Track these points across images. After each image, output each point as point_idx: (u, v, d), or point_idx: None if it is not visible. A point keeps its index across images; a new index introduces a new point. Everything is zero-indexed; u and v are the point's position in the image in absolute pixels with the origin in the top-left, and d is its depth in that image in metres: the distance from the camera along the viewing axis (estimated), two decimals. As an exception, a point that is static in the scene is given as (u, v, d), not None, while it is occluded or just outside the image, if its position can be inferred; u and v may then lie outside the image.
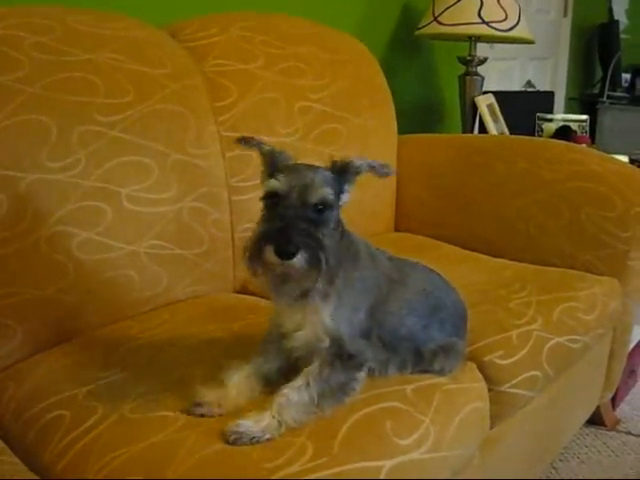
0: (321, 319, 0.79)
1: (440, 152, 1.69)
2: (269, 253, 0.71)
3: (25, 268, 0.98)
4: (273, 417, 0.74)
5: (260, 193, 0.78)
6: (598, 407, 1.55)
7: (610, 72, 3.36)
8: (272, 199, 0.75)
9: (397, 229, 1.72)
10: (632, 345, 1.63)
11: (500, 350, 1.03)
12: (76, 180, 1.03)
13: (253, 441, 0.73)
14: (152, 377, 0.88)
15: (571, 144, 1.67)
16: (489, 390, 0.99)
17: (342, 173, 0.79)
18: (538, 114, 2.52)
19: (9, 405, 0.88)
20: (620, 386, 1.60)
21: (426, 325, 0.89)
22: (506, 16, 2.00)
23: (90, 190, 1.05)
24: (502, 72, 2.90)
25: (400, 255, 0.95)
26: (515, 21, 2.02)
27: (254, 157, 1.30)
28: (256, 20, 1.47)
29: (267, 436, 0.73)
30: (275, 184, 0.75)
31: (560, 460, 1.50)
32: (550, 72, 3.38)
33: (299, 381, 0.78)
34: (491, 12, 1.99)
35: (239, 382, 0.81)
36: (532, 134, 2.49)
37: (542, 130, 2.51)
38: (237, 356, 0.86)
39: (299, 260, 0.71)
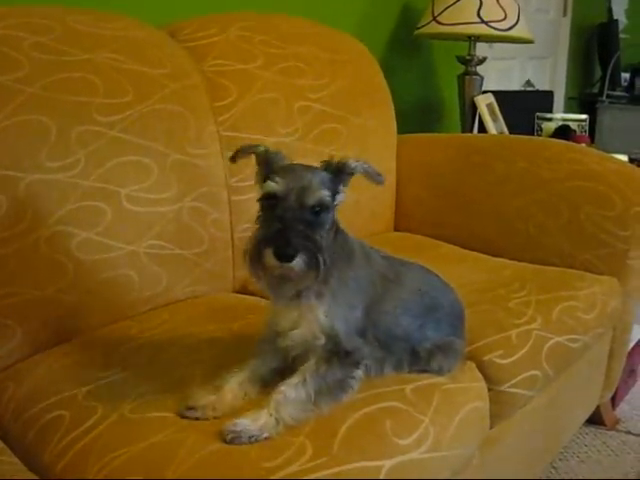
0: (316, 317, 0.79)
1: (439, 152, 1.69)
2: (268, 256, 0.71)
3: (25, 268, 0.98)
4: (270, 415, 0.74)
5: (257, 195, 0.78)
6: (598, 406, 1.55)
7: (609, 71, 3.36)
8: (270, 201, 0.76)
9: (396, 229, 1.72)
10: (632, 344, 1.63)
11: (500, 350, 1.03)
12: (76, 180, 1.03)
13: (251, 440, 0.73)
14: (152, 377, 0.88)
15: (570, 143, 1.67)
16: (489, 390, 0.99)
17: (337, 173, 0.80)
18: (537, 113, 2.52)
19: (9, 405, 0.88)
20: (620, 385, 1.60)
21: (421, 325, 0.90)
22: (505, 16, 2.00)
23: (90, 190, 1.05)
24: (501, 72, 2.90)
25: (400, 255, 0.95)
26: (514, 21, 2.02)
27: (253, 157, 1.30)
28: (255, 20, 1.47)
29: (265, 434, 0.73)
30: (273, 186, 0.75)
31: (560, 459, 1.50)
32: (549, 71, 3.38)
33: (296, 378, 0.78)
34: (490, 12, 1.99)
35: (234, 386, 0.80)
36: (531, 133, 2.49)
37: (541, 129, 2.51)
38: (237, 356, 0.86)
39: (298, 263, 0.71)
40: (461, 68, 2.22)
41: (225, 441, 0.73)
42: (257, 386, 0.82)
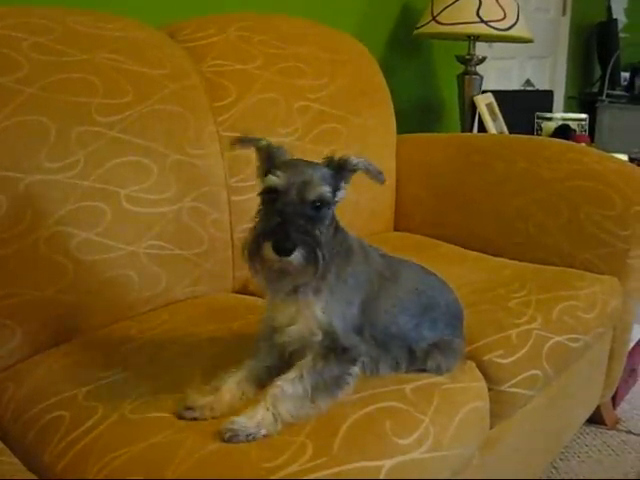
0: (313, 313, 0.79)
1: (439, 151, 1.69)
2: (267, 249, 0.71)
3: (25, 269, 0.98)
4: (267, 409, 0.74)
5: (258, 189, 0.78)
6: (598, 406, 1.55)
7: (609, 71, 3.36)
8: (271, 195, 0.76)
9: (396, 228, 1.71)
10: (632, 344, 1.63)
11: (500, 349, 1.03)
12: (75, 181, 1.03)
13: (249, 438, 0.73)
14: (152, 377, 0.88)
15: (570, 143, 1.67)
16: (489, 389, 0.99)
17: (339, 170, 0.80)
18: (537, 113, 2.52)
19: (9, 406, 0.88)
20: (620, 385, 1.60)
21: (418, 324, 0.89)
22: (505, 15, 2.00)
23: (89, 190, 1.05)
24: (501, 71, 2.90)
25: (399, 255, 0.95)
26: (514, 20, 2.02)
27: (253, 157, 1.30)
28: (254, 20, 1.47)
29: (263, 431, 0.73)
30: (274, 180, 0.75)
31: (560, 459, 1.50)
32: (549, 71, 3.38)
33: (292, 373, 0.77)
34: (490, 11, 1.99)
35: (232, 386, 0.80)
36: (531, 133, 2.49)
37: (541, 129, 2.51)
38: (237, 356, 0.86)
39: (296, 257, 0.71)
40: (461, 68, 2.22)
41: (223, 440, 0.73)
42: (255, 385, 0.82)
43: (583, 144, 2.16)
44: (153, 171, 1.14)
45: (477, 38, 2.15)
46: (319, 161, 0.81)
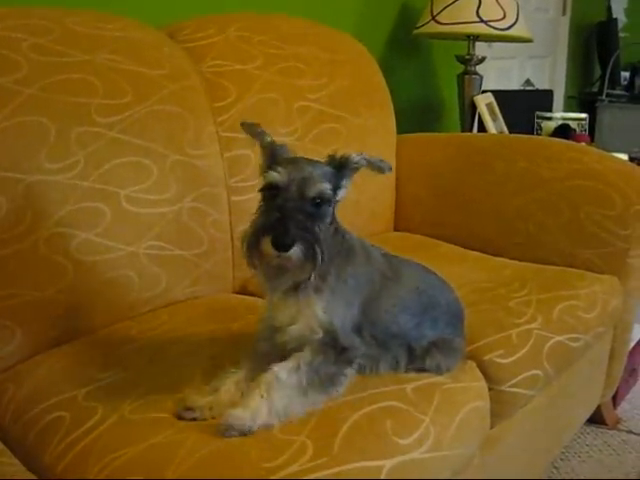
0: (314, 312, 0.79)
1: (439, 151, 1.69)
2: (266, 244, 0.71)
3: (24, 269, 0.98)
4: (262, 397, 0.74)
5: (259, 185, 0.78)
6: (599, 406, 1.55)
7: (609, 70, 3.36)
8: (271, 191, 0.76)
9: (396, 229, 1.71)
10: (633, 344, 1.63)
11: (500, 349, 1.03)
12: (75, 181, 1.03)
13: (245, 429, 0.73)
14: (152, 378, 0.88)
15: (570, 142, 1.67)
16: (489, 389, 0.99)
17: (340, 168, 0.80)
18: (537, 113, 2.52)
19: (9, 407, 0.88)
20: (621, 385, 1.60)
21: (418, 323, 0.89)
22: (504, 15, 2.00)
23: (89, 191, 1.05)
24: (501, 71, 2.90)
25: (399, 255, 0.95)
26: (513, 20, 2.02)
27: (253, 157, 1.30)
28: (254, 20, 1.47)
29: (259, 423, 0.73)
30: (275, 176, 0.75)
31: (561, 459, 1.50)
32: (549, 70, 3.38)
33: (290, 363, 0.78)
34: (489, 11, 1.99)
35: (231, 386, 0.80)
36: (531, 133, 2.49)
37: (541, 129, 2.51)
38: (237, 356, 0.86)
39: (295, 252, 0.71)
40: (460, 67, 2.22)
41: (221, 435, 0.73)
42: None
43: (583, 144, 2.16)
44: (153, 171, 1.14)
45: (477, 38, 2.15)
46: (321, 159, 0.81)
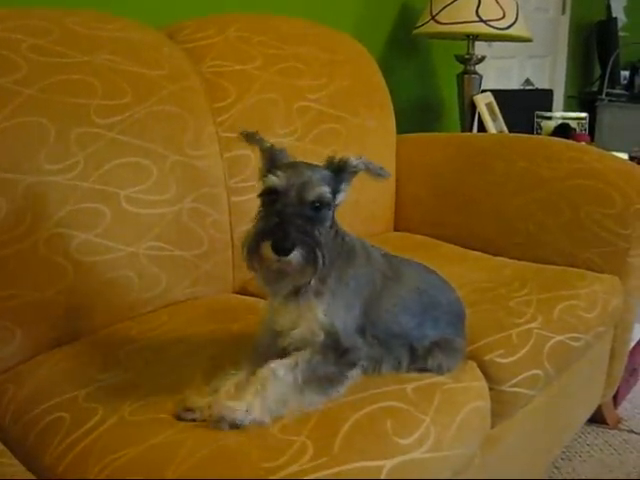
0: (315, 316, 0.80)
1: (439, 151, 1.69)
2: (266, 249, 0.72)
3: (24, 270, 0.98)
4: (257, 391, 0.74)
5: (258, 190, 0.78)
6: (600, 405, 1.55)
7: (609, 70, 3.36)
8: (270, 195, 0.76)
9: (396, 229, 1.71)
10: (633, 343, 1.63)
11: (501, 349, 1.03)
12: (75, 182, 1.03)
13: (236, 422, 0.73)
14: (152, 379, 0.88)
15: (570, 142, 1.67)
16: (490, 389, 0.99)
17: (339, 172, 0.80)
18: (537, 112, 2.52)
19: (9, 407, 0.88)
20: (621, 384, 1.60)
21: (420, 323, 0.89)
22: (504, 14, 2.00)
23: (89, 192, 1.05)
24: (500, 70, 2.90)
25: (400, 255, 0.95)
26: (513, 19, 2.02)
27: (253, 158, 1.30)
28: (254, 21, 1.47)
29: (250, 417, 0.73)
30: (274, 180, 0.75)
31: (562, 459, 1.50)
32: (549, 70, 3.38)
33: (287, 360, 0.78)
34: (489, 10, 1.99)
35: (231, 387, 0.80)
36: (531, 132, 2.49)
37: (541, 128, 2.51)
38: (237, 357, 0.86)
39: (295, 256, 0.71)
40: (460, 67, 2.22)
41: (213, 426, 0.73)
42: None
43: (583, 143, 2.16)
44: (153, 172, 1.14)
45: (476, 37, 2.15)
46: (320, 163, 0.81)
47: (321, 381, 0.79)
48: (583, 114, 2.58)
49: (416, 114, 2.34)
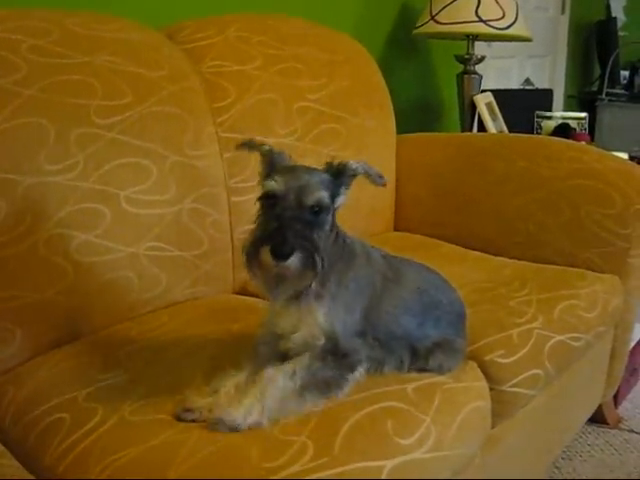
0: (316, 320, 0.80)
1: (439, 151, 1.69)
2: (265, 254, 0.71)
3: (24, 271, 0.97)
4: (256, 397, 0.74)
5: (257, 194, 0.78)
6: (600, 405, 1.55)
7: (608, 69, 3.35)
8: (269, 200, 0.76)
9: (396, 229, 1.71)
10: (634, 343, 1.63)
11: (501, 349, 1.03)
12: (74, 182, 1.03)
13: (234, 426, 0.73)
14: (152, 379, 0.88)
15: (570, 142, 1.67)
16: (490, 389, 0.99)
17: (338, 175, 0.80)
18: (537, 112, 2.52)
19: (9, 408, 0.87)
20: (622, 384, 1.60)
21: (421, 323, 0.89)
22: (503, 14, 2.00)
23: (89, 192, 1.05)
24: (500, 70, 2.90)
25: (400, 255, 0.95)
26: (513, 19, 2.02)
27: (252, 158, 1.30)
28: (253, 21, 1.47)
29: (248, 421, 0.73)
30: (273, 185, 0.75)
31: (562, 459, 1.50)
32: (548, 70, 3.38)
33: (286, 367, 0.78)
34: (488, 10, 1.99)
35: (231, 388, 0.80)
36: (531, 132, 2.49)
37: (541, 128, 2.51)
38: (237, 357, 0.86)
39: (294, 261, 0.71)
40: (460, 67, 2.22)
41: (211, 429, 0.73)
42: None
43: (583, 143, 2.16)
44: (152, 172, 1.14)
45: (476, 37, 2.15)
46: (319, 167, 0.81)
47: (320, 385, 0.79)
48: (583, 114, 2.58)
49: (416, 114, 2.34)
